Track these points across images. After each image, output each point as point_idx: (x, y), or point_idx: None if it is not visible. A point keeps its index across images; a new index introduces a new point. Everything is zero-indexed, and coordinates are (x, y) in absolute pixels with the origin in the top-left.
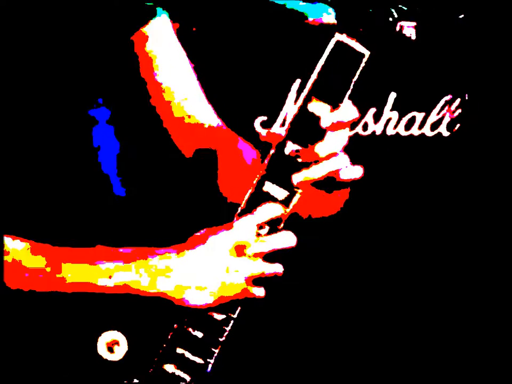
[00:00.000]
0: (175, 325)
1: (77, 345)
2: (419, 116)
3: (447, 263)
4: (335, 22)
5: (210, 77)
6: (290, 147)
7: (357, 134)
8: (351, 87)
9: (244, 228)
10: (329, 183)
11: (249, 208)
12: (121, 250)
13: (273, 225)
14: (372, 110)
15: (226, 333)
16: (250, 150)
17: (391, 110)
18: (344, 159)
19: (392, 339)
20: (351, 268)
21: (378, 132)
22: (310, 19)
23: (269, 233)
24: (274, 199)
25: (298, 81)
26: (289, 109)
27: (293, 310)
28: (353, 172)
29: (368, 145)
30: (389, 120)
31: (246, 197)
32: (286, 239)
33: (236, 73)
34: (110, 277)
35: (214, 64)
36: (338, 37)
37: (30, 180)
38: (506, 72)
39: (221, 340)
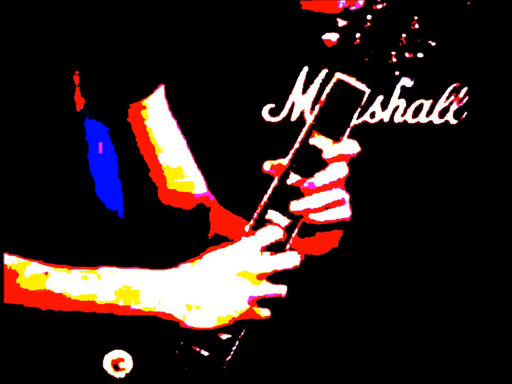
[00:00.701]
0: (181, 342)
1: (82, 362)
2: (426, 104)
3: (455, 258)
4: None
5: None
6: (293, 178)
7: (364, 122)
8: (353, 122)
9: (247, 249)
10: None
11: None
12: (122, 270)
13: (278, 247)
14: (380, 98)
15: (232, 352)
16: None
17: (398, 98)
18: (340, 193)
19: (397, 364)
20: (358, 278)
21: (386, 120)
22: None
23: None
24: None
25: (305, 69)
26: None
27: (299, 328)
28: (342, 213)
29: (375, 132)
30: (396, 107)
31: (250, 223)
32: (290, 260)
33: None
34: (112, 299)
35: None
36: (339, 75)
37: (29, 199)
38: None
39: (227, 359)
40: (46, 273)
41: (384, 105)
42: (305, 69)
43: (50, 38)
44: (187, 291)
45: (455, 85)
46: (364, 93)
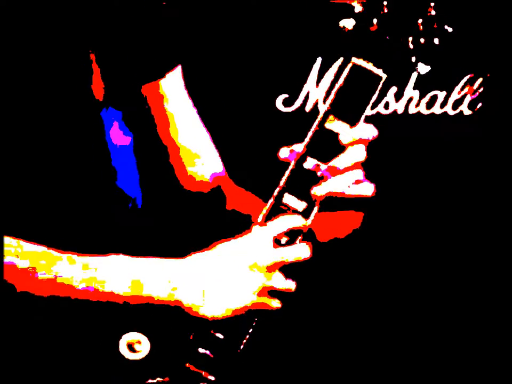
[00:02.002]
0: (191, 335)
1: (97, 345)
2: (441, 95)
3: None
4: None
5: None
6: (310, 162)
7: (378, 113)
8: (369, 107)
9: (259, 239)
10: (346, 199)
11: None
12: (133, 259)
13: (292, 237)
14: (393, 89)
15: (247, 336)
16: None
17: (412, 89)
18: (359, 173)
19: (407, 352)
20: (367, 273)
21: (400, 111)
22: None
23: (287, 244)
24: (293, 212)
25: (319, 60)
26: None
27: (310, 319)
28: (365, 189)
29: (389, 123)
30: (410, 99)
31: (266, 208)
32: (301, 252)
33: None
34: (122, 288)
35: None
36: (356, 60)
37: (42, 188)
38: None
39: (242, 341)
40: (55, 258)
41: (398, 96)
42: (319, 59)
43: (66, 21)
44: (198, 281)
45: (469, 76)
46: (380, 78)
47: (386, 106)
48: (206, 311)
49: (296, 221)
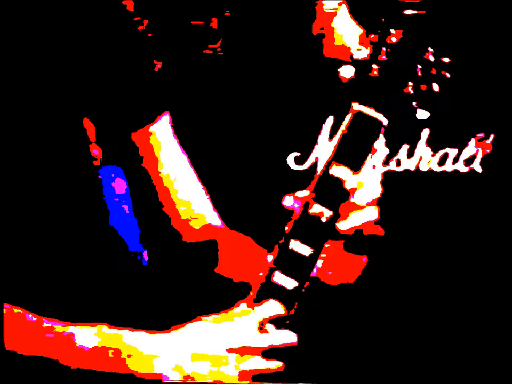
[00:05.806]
0: None
1: None
2: (452, 152)
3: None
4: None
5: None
6: (315, 208)
7: (391, 171)
8: (372, 151)
9: (245, 323)
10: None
11: (279, 262)
12: (116, 331)
13: (279, 321)
14: (405, 147)
15: None
16: (256, 246)
17: (424, 146)
18: (373, 212)
19: None
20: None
21: (412, 168)
22: None
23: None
24: (300, 257)
25: (331, 118)
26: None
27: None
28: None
29: (401, 181)
30: (422, 156)
31: (272, 254)
32: (286, 338)
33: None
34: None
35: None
36: (357, 106)
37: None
38: None
39: None
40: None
41: (409, 154)
42: (331, 118)
43: (56, 78)
44: (175, 355)
45: (480, 134)
46: (381, 122)
47: (398, 163)
48: None
49: (281, 310)
